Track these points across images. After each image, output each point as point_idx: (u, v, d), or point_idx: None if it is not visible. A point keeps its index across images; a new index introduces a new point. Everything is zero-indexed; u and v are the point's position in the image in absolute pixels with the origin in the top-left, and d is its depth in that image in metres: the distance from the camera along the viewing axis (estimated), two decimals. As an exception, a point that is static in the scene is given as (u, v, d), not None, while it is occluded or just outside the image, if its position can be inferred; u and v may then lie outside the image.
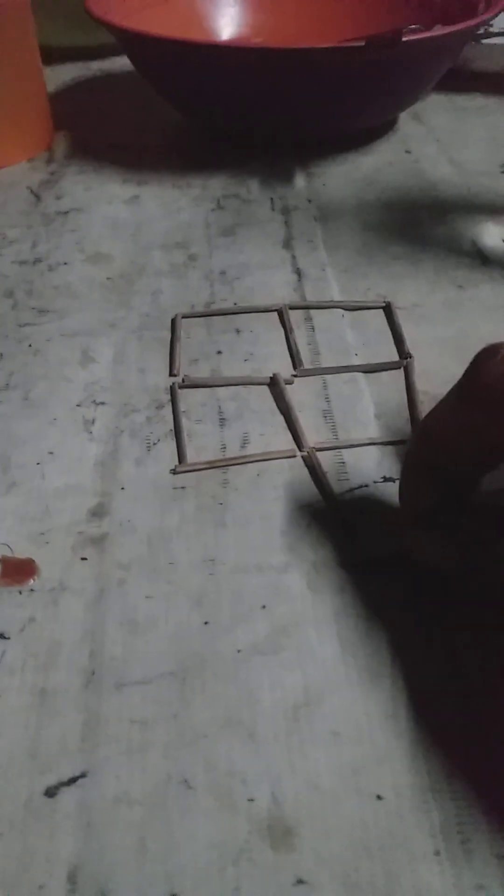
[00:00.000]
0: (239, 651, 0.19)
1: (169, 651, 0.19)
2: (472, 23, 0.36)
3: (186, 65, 0.40)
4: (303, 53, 0.36)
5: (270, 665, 0.19)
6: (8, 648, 0.19)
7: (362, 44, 0.35)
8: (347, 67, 0.37)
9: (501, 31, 0.56)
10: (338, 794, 0.16)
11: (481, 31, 0.55)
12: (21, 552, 0.22)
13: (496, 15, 0.38)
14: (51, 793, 0.16)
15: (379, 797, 0.16)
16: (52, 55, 0.55)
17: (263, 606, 0.20)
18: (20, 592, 0.20)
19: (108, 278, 0.34)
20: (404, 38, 0.35)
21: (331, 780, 0.16)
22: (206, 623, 0.20)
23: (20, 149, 0.44)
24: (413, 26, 0.35)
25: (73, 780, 0.17)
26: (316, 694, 0.18)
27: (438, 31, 0.36)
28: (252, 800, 0.16)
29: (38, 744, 0.17)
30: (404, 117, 0.48)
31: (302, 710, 0.18)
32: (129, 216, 0.38)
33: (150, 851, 0.15)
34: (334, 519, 0.22)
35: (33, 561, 0.21)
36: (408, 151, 0.44)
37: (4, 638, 0.19)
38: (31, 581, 0.21)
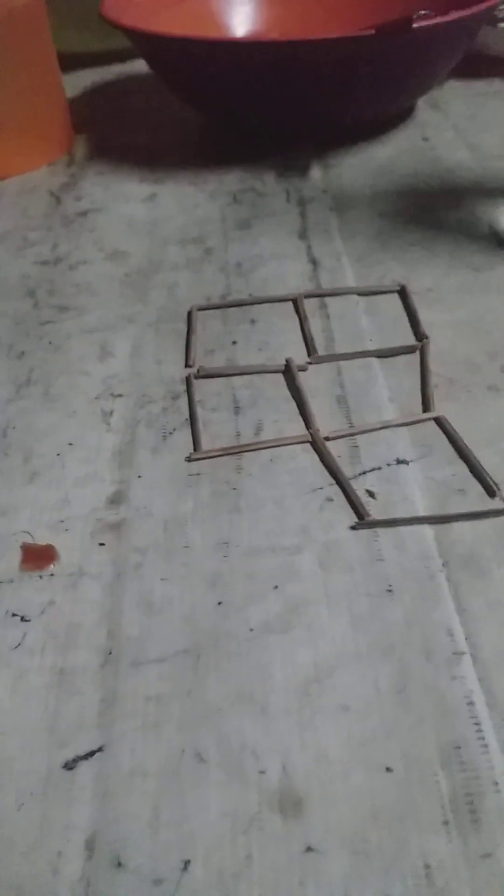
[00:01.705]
0: (251, 629, 0.19)
1: (184, 630, 0.19)
2: (483, 6, 0.36)
3: (201, 62, 0.40)
4: (314, 45, 0.36)
5: (282, 642, 0.19)
6: (29, 630, 0.20)
7: (373, 32, 0.35)
8: (359, 56, 0.37)
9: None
10: (347, 765, 0.17)
11: (500, 15, 0.54)
12: (42, 539, 0.22)
13: (508, -4, 0.38)
14: (69, 766, 0.17)
15: (388, 769, 0.16)
16: (69, 62, 0.57)
17: (276, 587, 0.20)
18: (40, 577, 0.21)
19: (125, 275, 0.34)
20: (415, 25, 0.35)
21: (340, 753, 0.17)
22: (219, 603, 0.20)
23: (41, 155, 0.45)
24: (423, 12, 0.34)
25: (90, 754, 0.17)
26: (326, 669, 0.18)
27: (449, 16, 0.36)
28: (263, 772, 0.17)
29: (57, 720, 0.18)
30: (422, 105, 0.48)
31: (313, 686, 0.18)
32: (147, 214, 0.39)
33: (164, 820, 0.16)
34: (346, 501, 0.22)
35: (53, 547, 0.22)
36: (425, 139, 0.44)
37: (25, 620, 0.20)
38: (51, 566, 0.21)
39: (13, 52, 0.41)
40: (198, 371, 0.28)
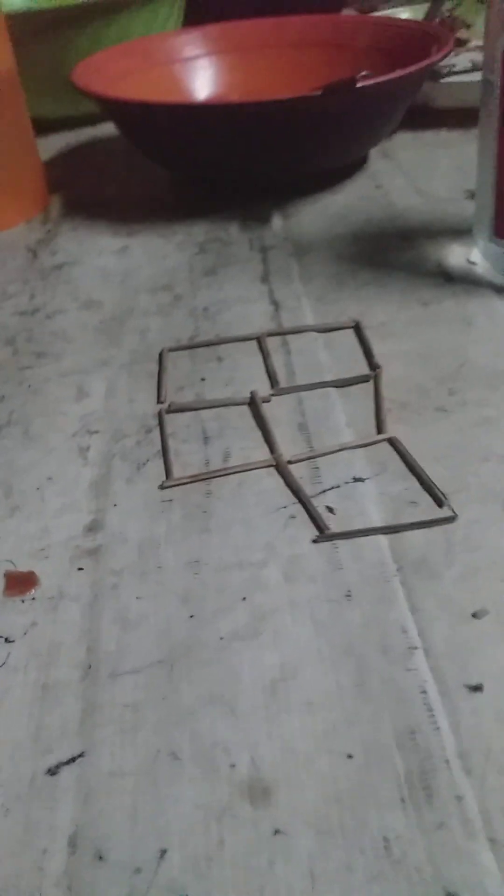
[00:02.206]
0: (221, 638, 0.21)
1: (158, 643, 0.21)
2: (420, 66, 0.39)
3: (164, 125, 0.43)
4: (267, 105, 0.39)
5: (250, 648, 0.20)
6: (13, 651, 0.21)
7: (320, 92, 0.38)
8: (309, 115, 0.40)
9: (463, 69, 0.60)
10: (311, 755, 0.18)
11: (444, 70, 0.58)
12: (23, 566, 0.24)
13: (443, 57, 0.41)
14: (52, 771, 0.18)
15: (349, 756, 0.18)
16: (42, 126, 0.60)
17: (244, 598, 0.22)
18: (23, 601, 0.23)
19: (100, 322, 0.36)
20: (358, 84, 0.38)
21: (305, 744, 0.18)
22: (191, 616, 0.21)
23: (18, 213, 0.48)
24: (364, 73, 0.38)
25: (72, 760, 0.18)
26: (291, 670, 0.20)
27: (390, 74, 0.39)
28: (233, 765, 0.18)
29: (40, 730, 0.19)
30: (374, 155, 0.51)
31: (279, 685, 0.19)
32: (119, 265, 0.41)
33: (141, 815, 0.17)
34: (308, 517, 0.24)
35: (34, 573, 0.23)
36: (378, 186, 0.47)
37: (9, 641, 0.21)
38: (33, 591, 0.23)
39: (-12, 121, 0.44)
40: (169, 406, 0.30)
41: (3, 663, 0.21)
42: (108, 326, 0.36)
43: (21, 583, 0.23)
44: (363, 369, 0.31)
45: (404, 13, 0.65)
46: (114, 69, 0.51)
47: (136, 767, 0.18)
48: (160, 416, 0.29)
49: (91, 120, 0.62)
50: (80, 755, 0.18)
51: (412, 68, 0.39)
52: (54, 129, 0.62)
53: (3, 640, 0.21)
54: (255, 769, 0.18)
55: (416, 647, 0.20)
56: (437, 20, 0.62)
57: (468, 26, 0.68)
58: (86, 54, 0.54)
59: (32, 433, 0.29)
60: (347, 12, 0.69)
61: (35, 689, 0.20)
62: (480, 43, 0.64)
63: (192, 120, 0.42)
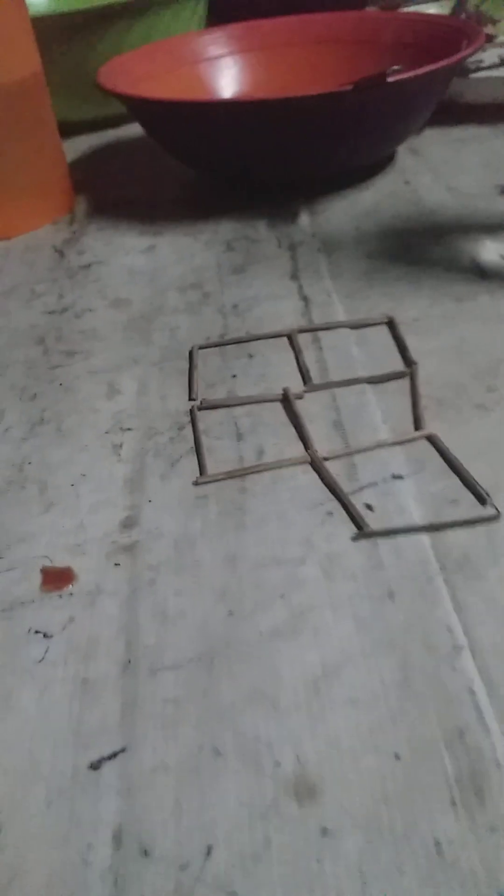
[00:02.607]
0: (261, 635, 0.20)
1: (197, 638, 0.21)
2: (451, 60, 0.39)
3: (190, 123, 0.43)
4: (296, 101, 0.39)
5: (290, 645, 0.20)
6: (51, 645, 0.21)
7: (350, 88, 0.38)
8: (339, 111, 0.40)
9: (491, 65, 0.59)
10: (357, 753, 0.17)
11: (472, 66, 0.58)
12: (59, 562, 0.24)
13: (475, 51, 0.41)
14: (94, 766, 0.18)
15: (396, 756, 0.17)
16: (68, 129, 0.60)
17: (282, 595, 0.22)
18: (60, 597, 0.22)
19: (129, 320, 0.36)
20: (389, 79, 0.38)
21: (350, 742, 0.18)
22: (230, 613, 0.21)
23: (44, 215, 0.48)
24: (396, 67, 0.37)
25: (114, 755, 0.18)
26: (333, 667, 0.19)
27: (421, 69, 0.38)
28: (278, 763, 0.18)
29: (81, 725, 0.19)
30: (402, 152, 0.51)
31: (321, 682, 0.19)
32: (146, 264, 0.41)
33: (186, 811, 0.17)
34: (346, 514, 0.24)
35: (71, 569, 0.23)
36: (406, 182, 0.47)
37: (48, 637, 0.21)
38: (70, 587, 0.23)
39: (17, 121, 0.44)
40: (201, 403, 0.30)
41: (42, 658, 0.21)
42: (137, 324, 0.36)
43: (58, 578, 0.23)
44: (397, 365, 0.31)
45: (430, 9, 0.65)
46: (139, 70, 0.51)
47: (179, 763, 0.18)
48: (192, 412, 0.29)
49: (115, 122, 0.62)
50: (122, 750, 0.18)
51: (444, 62, 0.38)
52: (79, 132, 0.62)
53: (41, 635, 0.21)
54: (300, 767, 0.17)
55: (462, 647, 0.19)
56: (463, 16, 0.62)
57: (495, 22, 0.68)
58: (109, 56, 0.54)
59: (65, 430, 0.29)
60: (370, 10, 0.69)
61: (75, 683, 0.20)
62: (507, 39, 0.64)
63: (219, 117, 0.42)
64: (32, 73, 0.44)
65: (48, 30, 0.54)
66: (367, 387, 0.30)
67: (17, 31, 0.43)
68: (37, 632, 0.21)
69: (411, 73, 0.38)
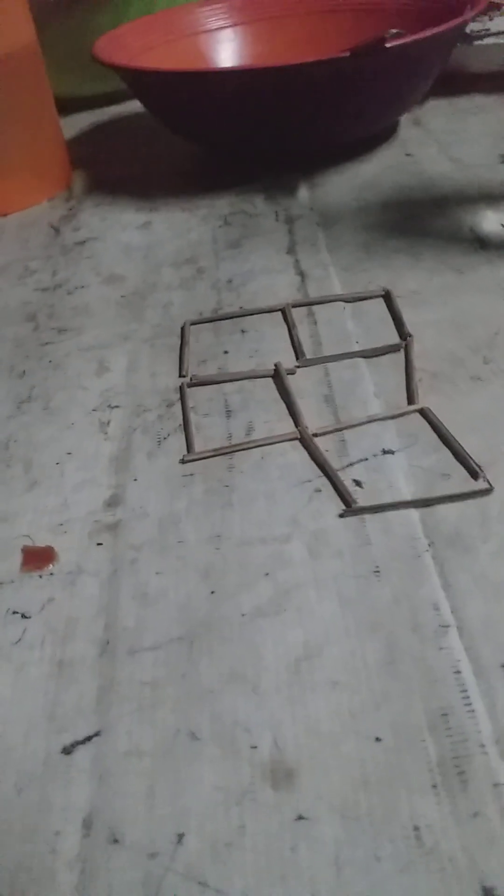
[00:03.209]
0: (243, 615, 0.20)
1: (178, 619, 0.20)
2: (452, 24, 0.38)
3: (188, 93, 0.42)
4: (294, 69, 0.38)
5: (273, 625, 0.19)
6: (29, 626, 0.20)
7: (347, 54, 0.37)
8: (337, 78, 0.39)
9: (499, 31, 0.57)
10: (337, 737, 0.17)
11: (478, 33, 0.56)
12: (42, 542, 0.23)
13: (477, 14, 0.39)
14: (67, 750, 0.17)
15: (377, 739, 0.17)
16: (69, 106, 0.59)
17: (267, 574, 0.21)
18: (40, 577, 0.22)
19: (122, 296, 0.35)
20: (388, 45, 0.36)
21: (330, 726, 0.17)
22: (212, 592, 0.21)
23: (41, 191, 0.47)
24: (395, 31, 0.36)
25: (88, 739, 0.18)
26: (316, 648, 0.19)
27: (421, 33, 0.37)
28: (255, 747, 0.17)
29: (56, 708, 0.18)
30: (405, 123, 0.50)
31: (303, 663, 0.18)
32: (142, 240, 0.40)
33: (159, 797, 0.16)
34: (334, 491, 0.23)
35: (52, 548, 0.23)
36: (408, 154, 0.45)
37: (26, 617, 0.21)
38: (50, 566, 0.22)
39: (13, 97, 0.43)
40: (191, 379, 0.29)
41: (19, 640, 0.20)
42: (130, 301, 0.35)
43: (38, 558, 0.22)
44: (393, 339, 0.30)
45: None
46: (137, 42, 0.50)
47: (154, 747, 0.17)
48: (181, 389, 0.28)
49: (112, 99, 0.61)
50: (96, 734, 0.18)
51: (444, 26, 0.37)
52: (76, 109, 0.61)
53: (19, 615, 0.21)
54: (278, 751, 0.17)
55: (448, 625, 0.19)
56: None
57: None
58: (107, 31, 0.53)
59: (53, 408, 0.29)
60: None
61: (51, 665, 0.19)
62: (516, 5, 0.62)
63: (216, 87, 0.40)
64: (27, 45, 0.43)
65: (44, 3, 0.52)
66: (360, 361, 0.29)
67: (12, 2, 0.42)
68: (14, 612, 0.21)
69: (410, 38, 0.37)
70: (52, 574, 0.22)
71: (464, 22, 0.38)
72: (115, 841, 0.16)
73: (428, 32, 0.37)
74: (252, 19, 0.55)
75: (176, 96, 0.43)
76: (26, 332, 0.34)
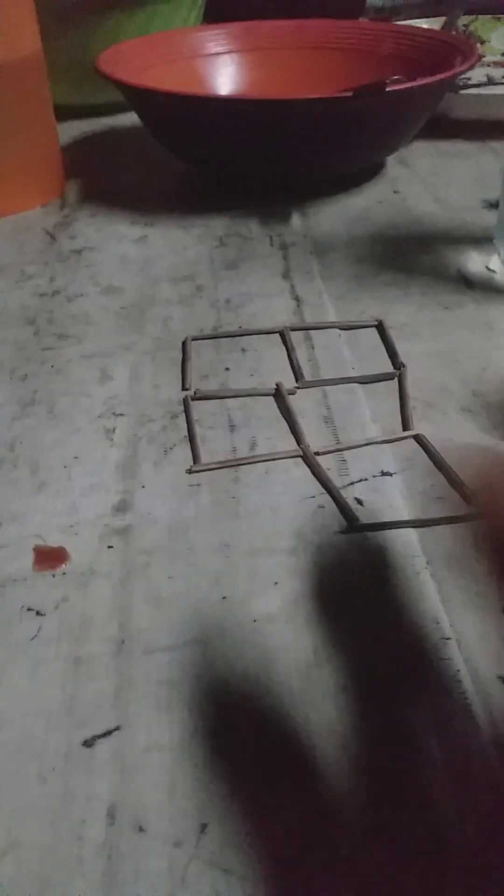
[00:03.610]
0: (255, 620, 0.21)
1: (192, 622, 0.21)
2: (448, 74, 0.40)
3: (187, 117, 0.43)
4: (298, 104, 0.40)
5: (284, 631, 0.21)
6: (44, 623, 0.21)
7: (350, 94, 0.39)
8: (337, 115, 0.41)
9: (479, 83, 0.60)
10: (348, 738, 0.18)
11: (461, 83, 0.59)
12: (52, 542, 0.24)
13: (470, 68, 0.42)
14: (88, 743, 0.18)
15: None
16: (64, 113, 0.60)
17: (276, 583, 0.22)
18: (53, 576, 0.22)
19: (121, 307, 0.36)
20: (388, 89, 0.39)
21: (342, 727, 0.18)
22: (223, 598, 0.22)
23: (34, 196, 0.47)
24: (396, 77, 0.38)
25: (108, 733, 0.18)
26: (325, 655, 0.20)
27: (419, 81, 0.39)
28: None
29: (74, 703, 0.19)
30: (392, 162, 0.52)
31: (313, 670, 0.20)
32: (139, 254, 0.41)
33: (180, 789, 0.17)
34: (336, 508, 0.24)
35: (64, 549, 0.23)
36: (396, 191, 0.48)
37: (40, 614, 0.21)
38: (63, 566, 0.23)
39: (14, 99, 0.44)
40: (195, 393, 0.30)
41: (36, 636, 0.21)
42: (129, 313, 0.36)
43: (51, 557, 0.23)
44: (386, 367, 0.31)
45: (422, 24, 0.66)
46: (138, 60, 0.51)
47: (173, 743, 0.18)
48: (186, 402, 0.29)
49: (107, 110, 0.62)
50: (116, 729, 0.18)
51: (442, 76, 0.39)
52: (70, 117, 0.61)
53: (34, 612, 0.21)
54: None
55: (448, 638, 0.20)
56: (453, 33, 0.63)
57: (483, 42, 0.70)
58: (107, 43, 0.54)
59: (57, 412, 0.29)
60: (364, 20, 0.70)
61: (68, 662, 0.20)
62: (495, 58, 0.65)
63: (217, 113, 0.42)
64: (33, 53, 0.44)
65: (47, 12, 0.53)
66: (357, 386, 0.30)
67: (20, 8, 0.42)
68: (29, 609, 0.21)
69: (410, 84, 0.39)
70: (64, 574, 0.23)
71: (460, 72, 0.41)
72: (140, 829, 0.17)
73: (426, 80, 0.39)
74: (249, 48, 0.57)
75: (176, 116, 0.45)
76: (27, 335, 0.34)
